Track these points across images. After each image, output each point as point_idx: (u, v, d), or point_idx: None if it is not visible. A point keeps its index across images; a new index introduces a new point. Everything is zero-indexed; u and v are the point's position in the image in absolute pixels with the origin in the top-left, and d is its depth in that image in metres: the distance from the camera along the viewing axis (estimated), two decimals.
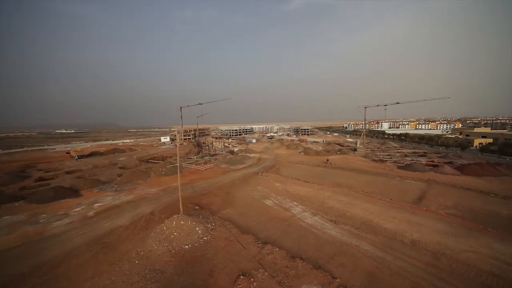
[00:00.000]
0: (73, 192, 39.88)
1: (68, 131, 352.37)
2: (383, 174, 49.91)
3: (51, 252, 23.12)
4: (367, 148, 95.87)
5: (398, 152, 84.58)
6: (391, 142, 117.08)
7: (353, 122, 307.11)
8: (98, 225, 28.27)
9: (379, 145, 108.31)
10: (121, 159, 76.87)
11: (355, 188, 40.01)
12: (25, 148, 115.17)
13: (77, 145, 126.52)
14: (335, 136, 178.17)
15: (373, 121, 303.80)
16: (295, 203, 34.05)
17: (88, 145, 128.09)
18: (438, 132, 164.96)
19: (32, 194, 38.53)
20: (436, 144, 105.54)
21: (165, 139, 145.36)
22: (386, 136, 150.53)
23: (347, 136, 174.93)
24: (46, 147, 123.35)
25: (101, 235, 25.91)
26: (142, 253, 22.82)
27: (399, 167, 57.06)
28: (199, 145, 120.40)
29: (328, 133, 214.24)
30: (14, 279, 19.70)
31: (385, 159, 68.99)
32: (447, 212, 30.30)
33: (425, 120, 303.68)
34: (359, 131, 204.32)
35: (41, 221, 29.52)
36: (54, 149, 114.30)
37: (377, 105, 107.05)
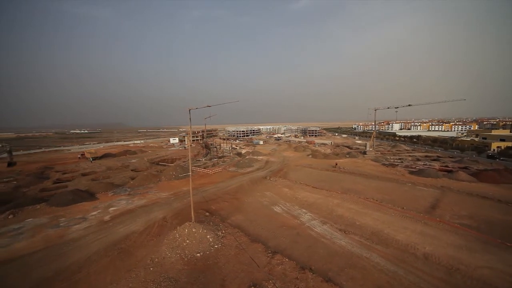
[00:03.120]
0: (89, 195, 41.30)
1: (82, 131, 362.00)
2: (394, 180, 49.39)
3: (72, 256, 24.21)
4: (377, 151, 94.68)
5: (409, 155, 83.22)
6: (402, 145, 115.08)
7: (363, 123, 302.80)
8: (114, 229, 29.29)
9: (389, 148, 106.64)
10: (132, 161, 78.68)
11: (365, 195, 39.82)
12: (43, 149, 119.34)
13: (91, 146, 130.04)
14: (344, 137, 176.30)
15: (383, 122, 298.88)
16: (303, 210, 34.24)
17: (101, 146, 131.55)
18: (453, 134, 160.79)
19: (52, 196, 40.13)
20: (450, 147, 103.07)
21: (174, 140, 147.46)
22: (397, 138, 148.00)
23: (356, 138, 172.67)
24: (62, 148, 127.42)
25: (117, 241, 26.88)
26: (156, 260, 23.58)
27: (411, 172, 56.28)
28: (207, 146, 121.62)
29: (336, 134, 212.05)
30: (40, 283, 20.79)
31: (396, 163, 68.06)
32: (461, 223, 29.85)
33: (438, 121, 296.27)
34: (368, 132, 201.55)
35: (61, 224, 30.80)
36: (70, 150, 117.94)
37: (388, 107, 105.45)
